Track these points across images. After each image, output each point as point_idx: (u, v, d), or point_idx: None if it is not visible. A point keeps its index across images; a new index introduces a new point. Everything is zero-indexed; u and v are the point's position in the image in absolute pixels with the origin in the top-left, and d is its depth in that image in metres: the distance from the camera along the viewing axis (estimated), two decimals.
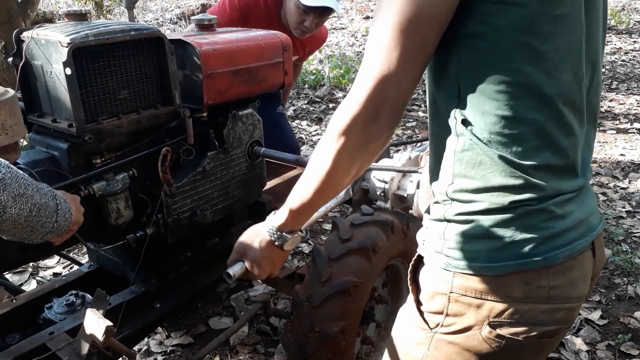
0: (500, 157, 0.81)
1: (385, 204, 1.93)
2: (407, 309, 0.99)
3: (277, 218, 1.04)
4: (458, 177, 0.86)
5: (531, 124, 0.80)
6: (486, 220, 0.83)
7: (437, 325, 0.89)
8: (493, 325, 0.84)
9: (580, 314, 2.34)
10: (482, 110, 0.81)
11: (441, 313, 0.88)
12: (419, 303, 0.94)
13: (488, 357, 0.86)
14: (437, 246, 0.89)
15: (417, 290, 0.96)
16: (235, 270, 1.11)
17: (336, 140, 0.85)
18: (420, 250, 0.95)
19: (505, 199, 0.82)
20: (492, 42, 0.78)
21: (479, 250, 0.84)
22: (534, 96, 0.80)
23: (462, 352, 0.88)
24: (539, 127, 0.81)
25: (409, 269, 0.99)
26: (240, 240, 1.12)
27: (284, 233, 1.04)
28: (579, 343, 2.16)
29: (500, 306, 0.83)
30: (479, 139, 0.82)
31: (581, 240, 0.85)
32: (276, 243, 1.05)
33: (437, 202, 0.91)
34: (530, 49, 0.78)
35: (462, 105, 0.83)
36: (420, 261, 0.96)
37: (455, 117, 0.84)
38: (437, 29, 0.79)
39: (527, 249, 0.82)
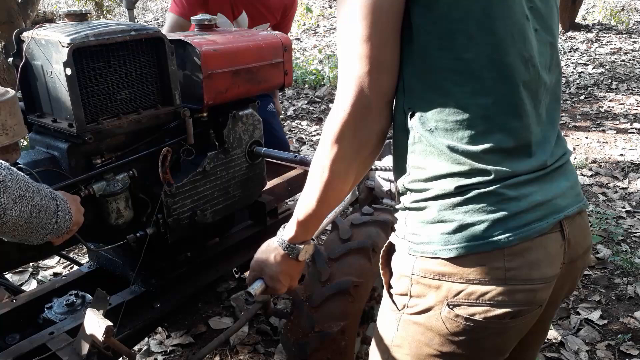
0: (447, 147, 0.83)
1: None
2: (383, 295, 1.02)
3: (287, 232, 1.06)
4: (412, 169, 0.89)
5: (476, 109, 0.82)
6: (437, 205, 0.86)
7: (404, 306, 0.93)
8: (451, 306, 0.86)
9: (580, 314, 2.35)
10: (426, 101, 0.83)
11: (406, 295, 0.92)
12: (390, 287, 0.98)
13: (450, 337, 0.88)
14: (402, 233, 0.93)
15: (389, 275, 0.99)
16: (255, 288, 1.13)
17: (330, 150, 0.87)
18: (391, 238, 0.99)
19: (452, 184, 0.84)
20: (429, 33, 0.80)
21: (433, 234, 0.86)
22: (476, 81, 0.81)
23: (426, 332, 0.90)
24: (485, 111, 0.82)
25: (381, 255, 1.02)
26: (255, 258, 1.14)
27: (296, 245, 1.06)
28: (578, 343, 2.17)
29: (457, 287, 0.85)
30: (425, 130, 0.85)
31: (541, 222, 0.86)
32: (290, 256, 1.07)
33: (400, 194, 0.95)
34: (467, 36, 0.79)
35: (408, 99, 0.86)
36: (392, 248, 0.99)
37: (404, 112, 0.87)
38: (394, 20, 0.81)
39: (478, 231, 0.83)
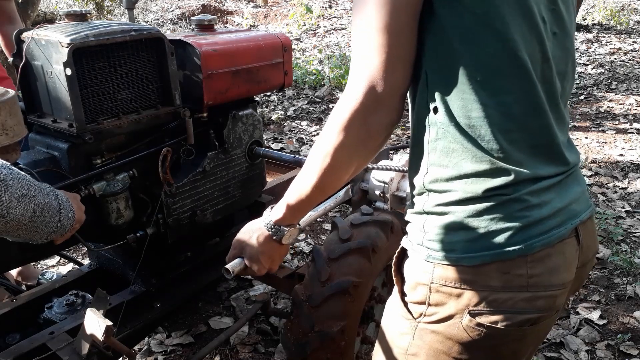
0: (471, 142, 0.82)
1: (384, 204, 1.93)
2: (392, 301, 1.00)
3: (274, 213, 1.04)
4: (432, 167, 0.87)
5: (497, 106, 0.81)
6: (461, 211, 0.84)
7: (421, 315, 0.91)
8: (473, 314, 0.85)
9: (579, 314, 2.35)
10: (450, 96, 0.82)
11: (424, 303, 0.89)
12: (403, 294, 0.95)
13: (470, 345, 0.87)
14: (418, 238, 0.90)
15: (401, 281, 0.97)
16: (234, 266, 1.10)
17: (336, 136, 0.85)
18: (403, 243, 0.96)
19: (478, 186, 0.83)
20: (454, 26, 0.79)
21: (457, 241, 0.85)
22: (498, 78, 0.80)
23: (444, 341, 0.89)
24: (506, 109, 0.81)
25: (393, 262, 1.00)
26: (238, 236, 1.12)
27: (282, 227, 1.04)
28: (578, 343, 2.17)
29: (479, 295, 0.84)
30: (449, 125, 0.83)
31: (560, 228, 0.86)
32: (274, 237, 1.05)
33: (416, 195, 0.92)
34: (493, 31, 0.78)
35: (432, 94, 0.84)
36: (404, 254, 0.97)
37: (427, 107, 0.85)
38: (413, 10, 0.79)
39: (502, 238, 0.82)
